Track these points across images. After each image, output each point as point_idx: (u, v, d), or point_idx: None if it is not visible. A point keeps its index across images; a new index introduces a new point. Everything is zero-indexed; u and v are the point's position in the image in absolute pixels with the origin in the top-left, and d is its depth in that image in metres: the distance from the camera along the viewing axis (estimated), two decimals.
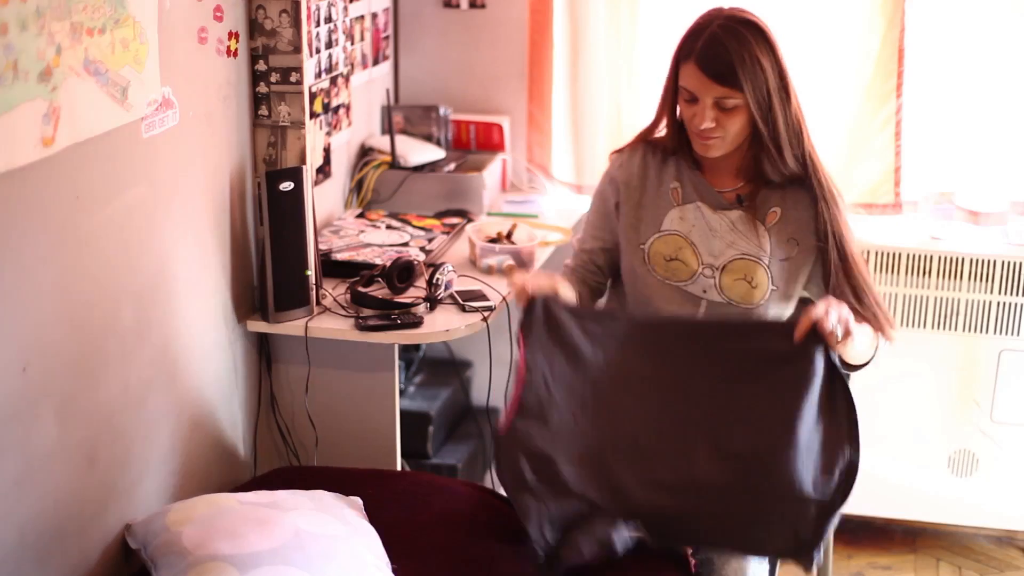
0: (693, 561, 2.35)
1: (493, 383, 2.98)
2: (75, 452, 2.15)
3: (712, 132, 2.38)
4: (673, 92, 2.43)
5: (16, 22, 1.85)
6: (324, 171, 2.98)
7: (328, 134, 2.98)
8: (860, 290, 2.44)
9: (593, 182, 2.82)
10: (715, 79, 2.33)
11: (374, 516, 2.38)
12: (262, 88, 2.68)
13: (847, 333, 2.21)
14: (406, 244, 2.99)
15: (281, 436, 2.83)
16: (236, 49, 2.59)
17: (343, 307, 2.71)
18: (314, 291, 2.68)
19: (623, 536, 2.24)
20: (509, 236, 3.03)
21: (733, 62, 2.32)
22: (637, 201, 2.54)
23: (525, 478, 2.25)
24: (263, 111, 2.69)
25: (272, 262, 2.61)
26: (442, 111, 3.48)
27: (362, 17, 3.24)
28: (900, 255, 3.25)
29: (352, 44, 3.15)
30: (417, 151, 3.34)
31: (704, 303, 2.49)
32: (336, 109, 3.02)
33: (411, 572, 2.26)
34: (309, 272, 2.66)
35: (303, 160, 2.70)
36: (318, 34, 2.84)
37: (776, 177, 2.45)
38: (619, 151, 2.60)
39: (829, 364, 2.23)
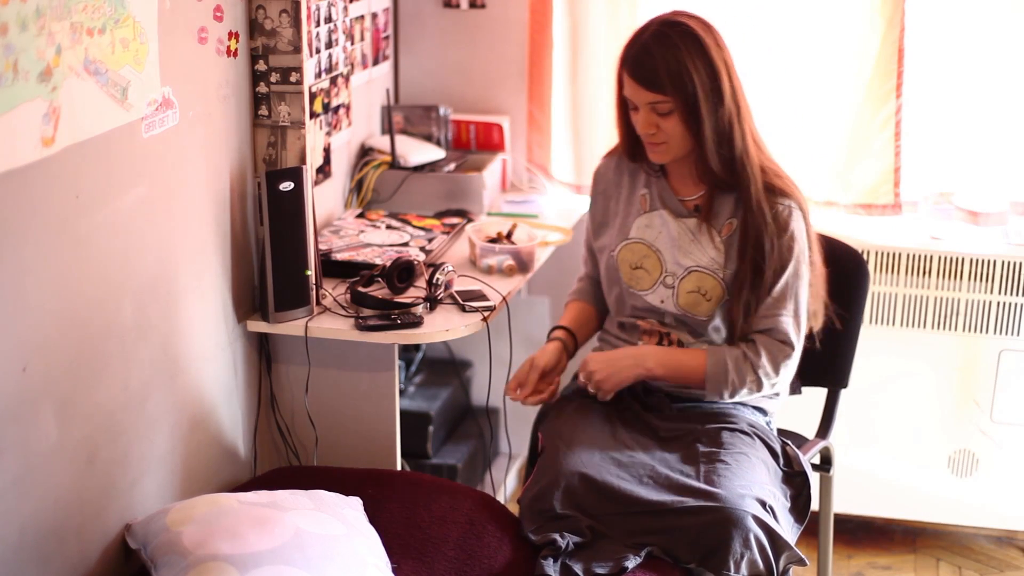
0: None
1: (493, 383, 2.98)
2: (75, 452, 2.15)
3: (655, 138, 2.46)
4: (622, 101, 2.51)
5: (16, 22, 1.85)
6: (324, 171, 2.98)
7: (328, 134, 2.98)
8: (746, 313, 2.49)
9: None
10: (643, 85, 2.41)
11: (374, 516, 2.39)
12: (262, 88, 2.68)
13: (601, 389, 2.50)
14: (406, 244, 2.99)
15: (281, 436, 2.83)
16: (236, 49, 2.59)
17: (343, 307, 2.71)
18: (314, 291, 2.68)
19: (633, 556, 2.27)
20: (509, 236, 3.03)
21: (657, 67, 2.39)
22: (610, 208, 2.64)
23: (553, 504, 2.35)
24: (263, 111, 2.69)
25: (272, 262, 2.61)
26: (442, 111, 3.48)
27: (362, 17, 3.24)
28: (900, 255, 3.25)
29: (352, 44, 3.15)
30: (417, 151, 3.34)
31: (664, 315, 2.53)
32: (336, 109, 3.02)
33: (411, 572, 2.26)
34: (309, 272, 2.66)
35: (303, 160, 2.70)
36: (318, 34, 2.84)
37: (717, 181, 2.48)
38: (606, 155, 2.69)
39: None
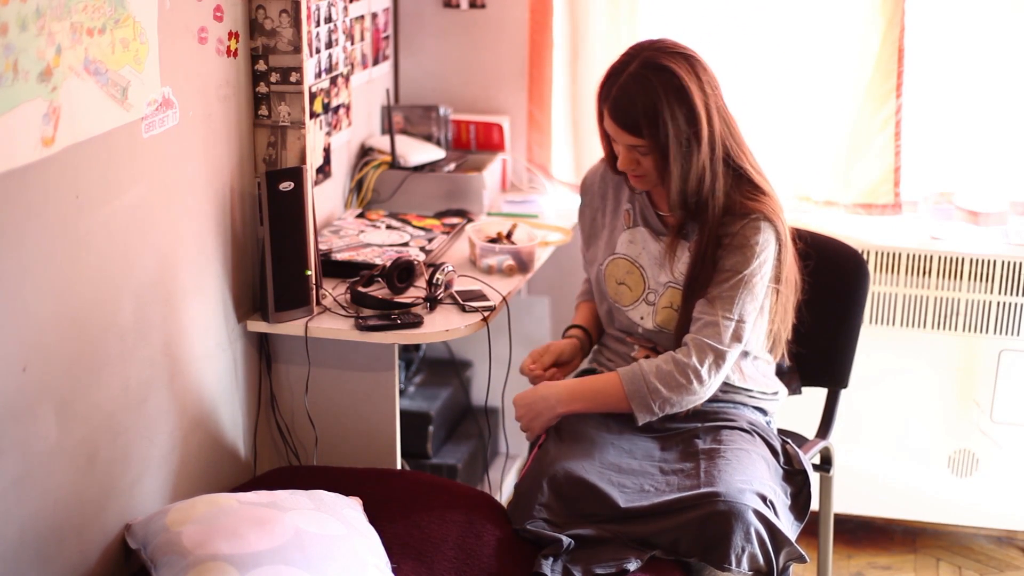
0: None
1: (493, 383, 2.98)
2: (75, 452, 2.15)
3: (634, 172, 2.44)
4: (603, 126, 2.47)
5: (16, 22, 1.85)
6: (324, 171, 2.98)
7: (328, 134, 2.98)
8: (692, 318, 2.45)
9: None
10: (622, 127, 2.39)
11: (374, 516, 2.39)
12: (262, 88, 2.68)
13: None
14: (406, 244, 2.99)
15: (281, 436, 2.83)
16: (236, 49, 2.59)
17: (343, 307, 2.71)
18: (314, 291, 2.68)
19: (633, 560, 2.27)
20: (509, 236, 3.04)
21: (637, 112, 2.35)
22: (597, 220, 2.64)
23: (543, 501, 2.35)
24: (263, 111, 2.69)
25: (272, 262, 2.61)
26: (442, 111, 3.48)
27: (362, 17, 3.24)
28: (900, 255, 3.25)
29: (352, 44, 3.15)
30: (417, 151, 3.34)
31: (640, 330, 2.52)
32: (336, 109, 3.02)
33: (411, 572, 2.26)
34: (309, 272, 2.66)
35: (303, 160, 2.70)
36: (318, 34, 2.84)
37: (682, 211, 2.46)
38: (599, 160, 2.66)
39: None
